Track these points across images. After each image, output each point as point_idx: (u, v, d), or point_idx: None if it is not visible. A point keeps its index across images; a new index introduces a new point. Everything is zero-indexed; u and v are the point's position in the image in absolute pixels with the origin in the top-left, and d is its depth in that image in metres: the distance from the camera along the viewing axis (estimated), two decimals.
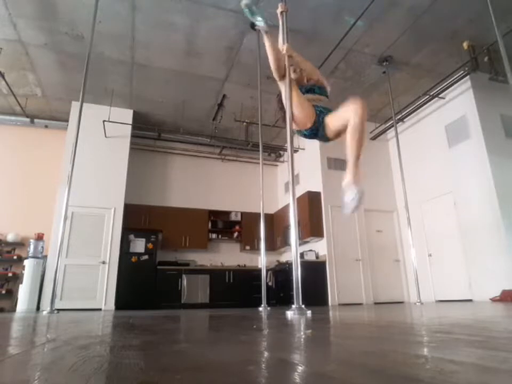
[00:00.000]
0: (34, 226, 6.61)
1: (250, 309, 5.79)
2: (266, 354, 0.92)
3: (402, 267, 7.42)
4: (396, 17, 5.23)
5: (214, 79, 6.66)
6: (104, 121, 6.96)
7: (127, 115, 7.50)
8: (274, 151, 9.25)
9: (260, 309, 4.87)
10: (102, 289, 6.39)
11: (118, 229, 6.83)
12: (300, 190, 7.51)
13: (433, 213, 6.76)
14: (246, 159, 9.16)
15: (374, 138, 8.10)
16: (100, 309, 6.25)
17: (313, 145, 7.83)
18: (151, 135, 8.13)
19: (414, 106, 7.08)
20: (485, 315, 2.41)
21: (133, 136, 7.73)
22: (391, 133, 7.89)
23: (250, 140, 7.95)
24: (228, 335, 1.48)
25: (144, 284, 6.86)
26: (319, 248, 7.20)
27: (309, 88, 2.83)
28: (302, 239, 7.14)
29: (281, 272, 7.38)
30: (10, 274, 6.55)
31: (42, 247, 6.30)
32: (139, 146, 8.25)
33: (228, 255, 8.48)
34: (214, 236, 8.39)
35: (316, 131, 2.65)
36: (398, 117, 7.18)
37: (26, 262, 6.02)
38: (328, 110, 2.64)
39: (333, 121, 2.56)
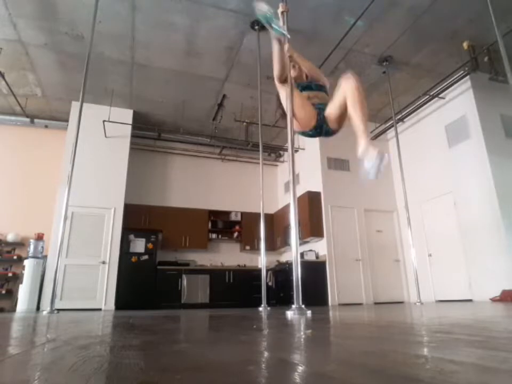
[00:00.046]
0: (34, 226, 6.61)
1: (250, 309, 5.79)
2: (266, 354, 0.92)
3: (402, 267, 7.43)
4: (395, 17, 5.23)
5: (214, 79, 6.67)
6: (104, 121, 6.96)
7: (127, 115, 7.50)
8: (274, 151, 9.25)
9: (260, 309, 4.87)
10: (102, 289, 6.39)
11: (118, 229, 6.83)
12: (300, 190, 7.51)
13: (433, 213, 6.76)
14: (246, 159, 9.16)
15: (374, 138, 8.09)
16: (100, 309, 6.25)
17: (313, 145, 7.84)
18: (151, 135, 8.13)
19: (414, 106, 7.08)
20: (485, 315, 2.41)
21: (133, 136, 7.73)
22: (391, 133, 7.89)
23: (250, 140, 7.95)
24: (227, 335, 1.48)
25: (144, 284, 6.86)
26: (319, 248, 7.20)
27: (305, 85, 2.83)
28: (302, 239, 7.14)
29: (281, 272, 7.38)
30: (10, 274, 6.55)
31: (42, 247, 6.30)
32: (139, 146, 8.25)
33: (228, 255, 8.48)
34: (214, 236, 8.39)
35: (320, 128, 2.66)
36: (398, 117, 7.18)
37: (26, 262, 6.02)
38: (325, 105, 2.64)
39: (332, 112, 2.56)
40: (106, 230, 6.75)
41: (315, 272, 6.61)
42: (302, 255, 6.82)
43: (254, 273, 7.39)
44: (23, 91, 6.81)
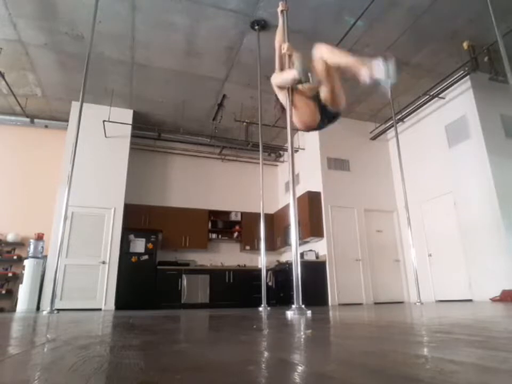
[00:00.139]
0: (34, 226, 6.61)
1: (250, 309, 5.79)
2: (266, 354, 0.92)
3: (402, 267, 7.43)
4: (396, 17, 5.23)
5: (214, 79, 6.67)
6: (104, 121, 6.96)
7: (127, 115, 7.50)
8: (274, 151, 9.25)
9: (260, 309, 4.87)
10: (102, 289, 6.39)
11: (118, 229, 6.83)
12: (300, 190, 7.51)
13: (433, 213, 6.76)
14: (246, 159, 9.16)
15: (374, 138, 8.11)
16: (100, 309, 6.25)
17: (313, 145, 7.84)
18: (151, 135, 8.13)
19: (414, 106, 7.08)
20: (485, 315, 2.41)
21: (133, 136, 7.73)
22: (391, 133, 7.89)
23: (250, 140, 7.95)
24: (228, 335, 1.48)
25: (144, 284, 6.86)
26: (319, 248, 7.20)
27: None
28: (302, 239, 7.14)
29: (281, 272, 7.38)
30: (10, 274, 6.55)
31: (42, 247, 6.30)
32: (139, 146, 8.25)
33: (228, 255, 8.48)
34: (214, 236, 8.39)
35: (325, 116, 2.67)
36: (398, 117, 7.18)
37: (26, 262, 6.02)
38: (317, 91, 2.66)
39: (325, 89, 2.59)
40: (106, 230, 6.75)
41: (315, 272, 6.61)
42: (302, 255, 6.82)
43: (254, 273, 7.39)
44: (23, 91, 6.81)
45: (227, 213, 8.65)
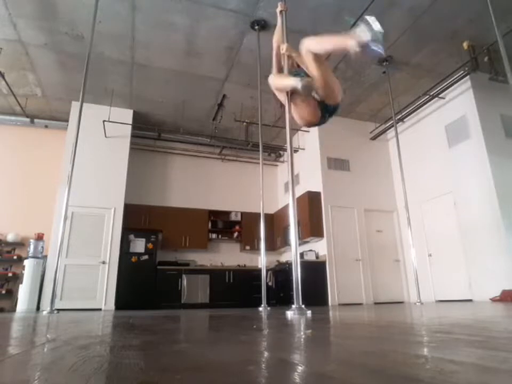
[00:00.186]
0: (34, 226, 6.61)
1: (250, 309, 5.79)
2: (266, 354, 0.92)
3: (402, 267, 7.43)
4: (395, 17, 5.23)
5: (214, 79, 6.67)
6: (104, 121, 6.96)
7: (127, 115, 7.50)
8: (274, 151, 9.25)
9: (260, 309, 4.87)
10: (102, 289, 6.39)
11: (118, 229, 6.83)
12: (300, 190, 7.51)
13: (433, 213, 6.76)
14: (246, 159, 9.16)
15: (374, 138, 8.11)
16: (100, 309, 6.25)
17: (313, 145, 7.84)
18: (151, 135, 8.13)
19: (414, 106, 7.08)
20: (485, 315, 2.41)
21: (133, 136, 7.73)
22: (391, 133, 7.89)
23: (250, 140, 7.95)
24: (228, 335, 1.48)
25: (144, 284, 6.86)
26: (319, 248, 7.20)
27: (296, 73, 2.87)
28: (302, 239, 7.14)
29: (281, 272, 7.38)
30: (10, 274, 6.55)
31: (42, 247, 6.30)
32: (139, 146, 8.25)
33: (228, 255, 8.48)
34: (214, 235, 8.39)
35: (326, 111, 2.68)
36: (398, 117, 7.18)
37: (26, 262, 6.02)
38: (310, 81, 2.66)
39: (318, 87, 2.58)
40: (106, 230, 6.75)
41: (315, 272, 6.61)
42: (302, 255, 6.82)
43: (254, 273, 7.39)
44: (23, 91, 6.81)
45: (227, 213, 8.65)
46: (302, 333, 1.46)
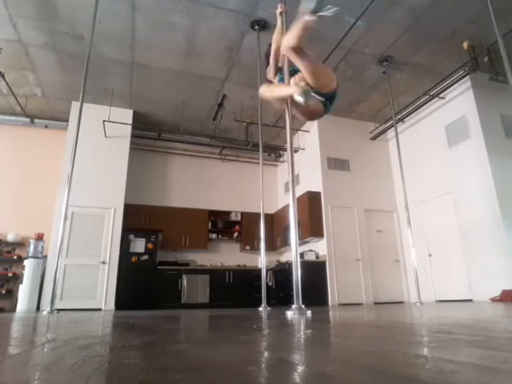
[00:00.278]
0: (34, 226, 6.61)
1: (250, 309, 5.79)
2: (266, 354, 0.92)
3: (402, 267, 7.42)
4: (395, 17, 5.23)
5: (214, 79, 6.66)
6: (104, 121, 6.96)
7: (127, 115, 7.50)
8: (274, 151, 9.25)
9: (260, 309, 4.87)
10: (102, 289, 6.38)
11: (118, 229, 6.83)
12: (300, 190, 7.51)
13: (433, 213, 6.76)
14: (246, 159, 9.16)
15: (374, 138, 8.11)
16: (100, 309, 6.25)
17: (313, 145, 7.84)
18: (151, 135, 8.13)
19: (414, 106, 7.08)
20: (485, 315, 2.41)
21: (133, 136, 7.73)
22: (391, 133, 7.89)
23: (250, 140, 7.95)
24: (228, 335, 1.48)
25: (144, 284, 6.86)
26: (319, 248, 7.20)
27: (291, 69, 2.92)
28: (302, 239, 7.14)
29: (281, 272, 7.38)
30: (10, 274, 6.55)
31: (42, 247, 6.30)
32: (139, 146, 8.25)
33: (228, 255, 8.48)
34: (214, 236, 8.39)
35: (326, 100, 2.69)
36: (398, 117, 7.18)
37: (26, 262, 6.02)
38: (309, 90, 2.67)
39: (307, 77, 2.63)
40: (106, 230, 6.74)
41: (315, 272, 6.61)
42: (302, 255, 6.82)
43: (254, 273, 7.38)
44: (23, 91, 6.81)
45: (227, 213, 8.64)
46: (302, 333, 1.46)
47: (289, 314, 2.58)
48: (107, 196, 6.89)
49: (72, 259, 6.31)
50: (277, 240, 8.51)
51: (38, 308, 5.85)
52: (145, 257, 7.06)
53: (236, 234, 8.55)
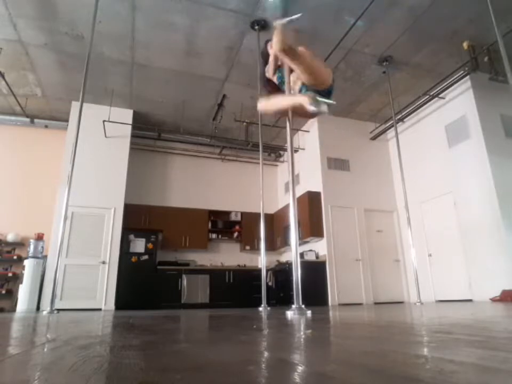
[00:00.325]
0: (34, 226, 6.61)
1: (250, 309, 5.79)
2: (266, 354, 0.92)
3: (402, 267, 7.42)
4: (395, 17, 5.23)
5: (214, 79, 6.66)
6: (104, 121, 6.96)
7: (127, 115, 7.50)
8: (274, 151, 9.25)
9: (260, 309, 4.87)
10: (102, 289, 6.38)
11: (118, 229, 6.83)
12: (300, 190, 7.51)
13: (433, 213, 6.76)
14: (246, 159, 9.16)
15: (374, 138, 8.11)
16: (100, 309, 6.25)
17: (313, 145, 7.84)
18: (151, 135, 8.13)
19: (414, 106, 7.08)
20: (485, 315, 2.41)
21: (133, 136, 7.73)
22: (391, 133, 7.89)
23: (250, 140, 7.95)
24: (228, 335, 1.48)
25: (144, 284, 6.86)
26: (319, 248, 7.20)
27: (279, 71, 2.99)
28: (302, 239, 7.14)
29: (281, 272, 7.38)
30: (10, 274, 6.55)
31: (42, 247, 6.30)
32: (139, 146, 8.25)
33: (228, 255, 8.48)
34: (214, 235, 8.39)
35: (322, 96, 2.69)
36: (398, 117, 7.18)
37: (26, 262, 6.02)
38: (315, 95, 2.68)
39: (302, 77, 2.68)
40: (106, 230, 6.74)
41: (315, 272, 6.61)
42: (302, 255, 6.82)
43: (254, 273, 7.38)
44: (23, 91, 6.81)
45: (227, 213, 8.64)
46: (302, 333, 1.46)
47: (289, 314, 2.58)
48: (107, 196, 6.89)
49: (72, 259, 6.31)
50: (277, 240, 8.51)
51: (38, 308, 5.84)
52: (145, 257, 7.06)
53: (235, 234, 8.55)
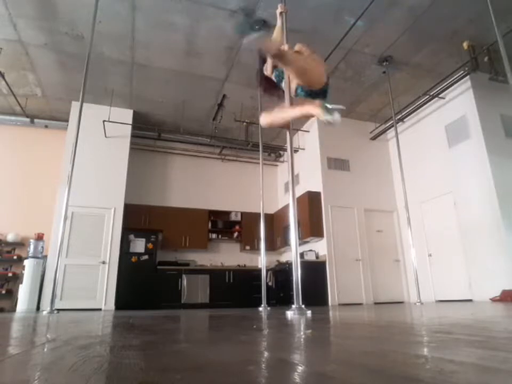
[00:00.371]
0: (34, 226, 6.61)
1: (250, 309, 5.79)
2: (266, 354, 0.92)
3: (402, 267, 7.42)
4: (395, 17, 5.23)
5: (214, 79, 6.66)
6: (104, 121, 6.96)
7: (127, 115, 7.50)
8: (274, 151, 9.25)
9: (260, 309, 4.87)
10: (102, 289, 6.38)
11: (118, 229, 6.83)
12: (300, 190, 7.50)
13: (433, 213, 6.76)
14: (246, 159, 9.16)
15: (374, 138, 8.11)
16: (100, 309, 6.25)
17: (313, 145, 7.84)
18: (151, 135, 8.13)
19: (414, 106, 7.08)
20: (485, 315, 2.41)
21: (133, 136, 7.73)
22: (391, 133, 7.89)
23: (250, 140, 7.95)
24: (228, 335, 1.48)
25: (144, 284, 6.86)
26: (319, 248, 7.20)
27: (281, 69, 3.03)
28: (302, 239, 7.14)
29: (281, 272, 7.38)
30: (10, 274, 6.55)
31: (42, 247, 6.30)
32: (139, 146, 8.25)
33: (228, 255, 8.48)
34: (214, 236, 8.39)
35: (317, 96, 2.70)
36: (398, 117, 7.18)
37: (26, 262, 6.02)
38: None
39: (298, 78, 2.70)
40: (106, 230, 6.74)
41: (315, 272, 6.61)
42: (302, 255, 6.82)
43: (254, 273, 7.38)
44: (23, 91, 6.81)
45: (227, 213, 8.64)
46: (302, 333, 1.46)
47: (289, 314, 2.58)
48: (107, 196, 6.89)
49: (72, 259, 6.31)
50: (277, 240, 8.51)
51: (38, 308, 5.84)
52: (145, 257, 7.06)
53: (236, 234, 8.55)
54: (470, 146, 6.08)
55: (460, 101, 6.39)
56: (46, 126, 7.66)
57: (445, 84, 6.40)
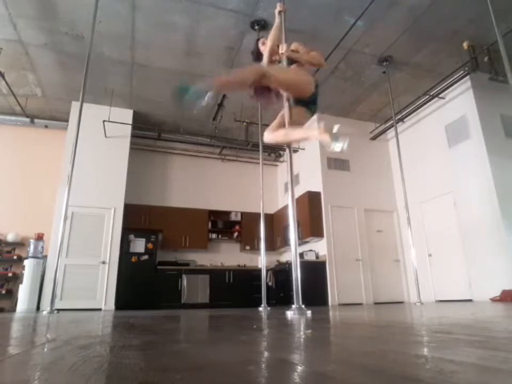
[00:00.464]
0: (34, 226, 6.61)
1: (250, 309, 5.79)
2: (266, 354, 0.92)
3: (402, 267, 7.42)
4: (396, 17, 5.23)
5: None
6: (104, 121, 6.95)
7: (127, 115, 7.50)
8: (274, 151, 9.25)
9: (260, 309, 4.87)
10: (102, 289, 6.38)
11: (118, 229, 6.83)
12: (300, 190, 7.50)
13: (433, 213, 6.76)
14: (246, 159, 9.16)
15: (374, 138, 8.11)
16: (100, 309, 6.25)
17: (313, 145, 7.83)
18: (151, 135, 8.13)
19: (414, 106, 7.08)
20: (485, 315, 2.41)
21: (133, 136, 7.73)
22: (391, 133, 7.89)
23: (250, 140, 7.95)
24: (228, 335, 1.48)
25: (144, 284, 6.86)
26: (319, 248, 7.20)
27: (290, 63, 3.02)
28: (302, 239, 7.14)
29: (281, 272, 7.38)
30: (10, 274, 6.55)
31: (42, 247, 6.30)
32: (139, 146, 8.25)
33: (228, 255, 8.48)
34: (214, 235, 8.39)
35: (307, 105, 2.72)
36: (398, 117, 7.18)
37: (26, 262, 6.02)
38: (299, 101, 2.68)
39: (286, 88, 2.72)
40: (106, 230, 6.74)
41: (315, 272, 6.61)
42: (302, 255, 6.82)
43: (254, 273, 7.38)
44: (23, 91, 6.81)
45: (227, 213, 8.64)
46: (302, 333, 1.46)
47: (289, 314, 2.58)
48: (107, 196, 6.89)
49: (72, 259, 6.31)
50: (277, 240, 8.50)
51: (38, 308, 5.84)
52: (145, 257, 7.06)
53: (236, 234, 8.55)
54: (470, 146, 6.08)
55: (459, 101, 6.39)
56: (46, 126, 7.66)
57: (445, 84, 6.40)
